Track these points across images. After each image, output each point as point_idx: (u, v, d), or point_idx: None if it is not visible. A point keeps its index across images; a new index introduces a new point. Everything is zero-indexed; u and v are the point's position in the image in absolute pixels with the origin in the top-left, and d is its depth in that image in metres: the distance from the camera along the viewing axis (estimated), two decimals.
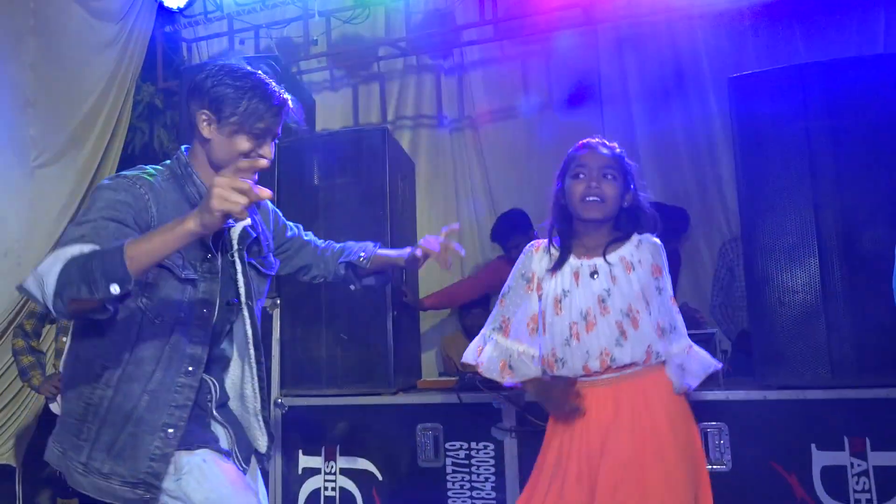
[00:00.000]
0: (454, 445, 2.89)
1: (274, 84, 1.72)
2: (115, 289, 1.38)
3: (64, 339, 3.13)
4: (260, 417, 1.81)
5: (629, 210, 1.99)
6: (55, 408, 3.07)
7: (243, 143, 1.66)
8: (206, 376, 1.73)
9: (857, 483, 2.47)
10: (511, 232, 3.90)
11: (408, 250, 2.18)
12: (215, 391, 1.76)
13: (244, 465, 1.79)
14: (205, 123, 1.66)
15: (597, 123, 4.20)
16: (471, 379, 3.00)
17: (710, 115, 3.97)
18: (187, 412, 1.65)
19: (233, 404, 1.82)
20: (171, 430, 1.62)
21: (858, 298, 2.51)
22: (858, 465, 2.48)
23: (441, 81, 4.54)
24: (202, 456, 1.65)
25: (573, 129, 4.21)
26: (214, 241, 1.71)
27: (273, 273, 1.93)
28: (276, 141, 1.77)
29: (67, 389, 1.68)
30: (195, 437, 1.67)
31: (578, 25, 4.05)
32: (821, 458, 2.52)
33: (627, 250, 1.96)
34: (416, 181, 3.94)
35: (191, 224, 1.39)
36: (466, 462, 2.87)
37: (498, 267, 4.06)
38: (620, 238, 1.98)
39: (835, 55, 2.86)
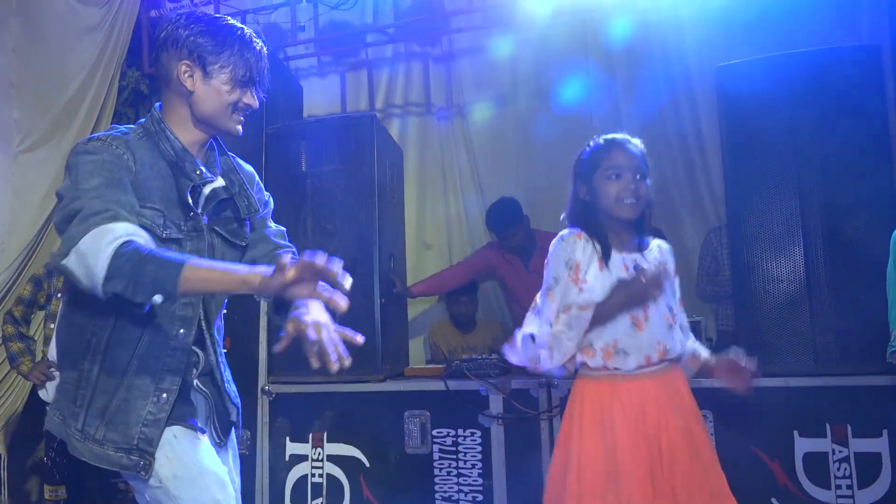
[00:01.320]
0: (441, 432, 2.91)
1: (248, 30, 1.68)
2: (157, 299, 1.40)
3: (52, 325, 3.11)
4: (224, 389, 1.77)
5: (648, 204, 2.01)
6: (44, 394, 3.05)
7: (232, 93, 1.63)
8: (192, 346, 1.68)
9: (839, 469, 2.51)
10: (509, 220, 3.91)
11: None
12: (199, 359, 1.71)
13: (222, 438, 1.77)
14: (186, 75, 1.60)
15: (586, 112, 4.20)
16: (458, 366, 3.02)
17: (697, 104, 3.98)
18: (181, 375, 1.62)
19: (213, 381, 1.78)
20: (164, 395, 1.59)
21: (842, 287, 2.55)
22: (840, 452, 2.52)
23: (430, 69, 4.51)
24: (173, 432, 1.62)
25: (562, 119, 4.24)
26: (193, 195, 1.65)
27: (242, 245, 1.79)
28: (263, 89, 1.71)
29: (63, 357, 1.65)
30: (173, 411, 1.62)
31: (567, 13, 4.04)
32: (803, 445, 2.55)
33: (655, 251, 2.02)
34: (404, 169, 3.94)
35: (257, 285, 1.40)
36: (453, 449, 2.89)
37: (489, 254, 4.08)
38: (642, 235, 2.02)
39: (820, 45, 2.86)
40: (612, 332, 1.90)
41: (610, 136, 2.02)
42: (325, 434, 3.05)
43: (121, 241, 1.42)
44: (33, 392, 3.26)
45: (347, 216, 3.14)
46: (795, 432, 2.55)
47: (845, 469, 2.50)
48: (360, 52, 4.53)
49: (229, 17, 1.69)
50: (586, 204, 1.98)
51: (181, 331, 1.63)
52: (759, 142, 2.67)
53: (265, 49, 1.70)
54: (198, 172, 1.65)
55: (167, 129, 1.64)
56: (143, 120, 1.69)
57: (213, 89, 1.62)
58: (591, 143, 2.05)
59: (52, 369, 3.02)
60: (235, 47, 1.62)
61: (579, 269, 1.93)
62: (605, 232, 1.97)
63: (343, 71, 4.60)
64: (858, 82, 2.55)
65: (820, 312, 2.56)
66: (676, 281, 2.05)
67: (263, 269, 1.40)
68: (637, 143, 2.01)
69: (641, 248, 1.99)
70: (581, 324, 1.89)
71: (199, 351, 1.71)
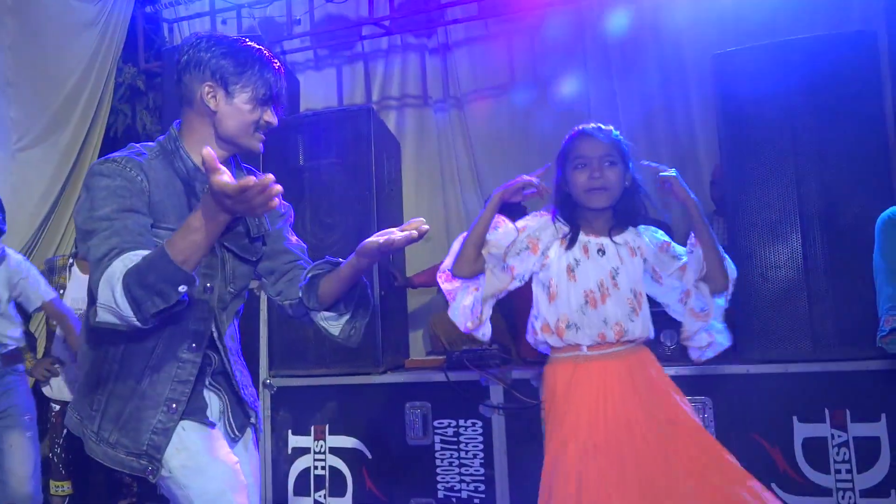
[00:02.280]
0: (442, 423, 2.92)
1: (267, 51, 1.73)
2: (183, 289, 1.42)
3: (55, 322, 3.11)
4: (242, 395, 1.83)
5: (629, 189, 2.00)
6: (48, 391, 3.06)
7: (254, 112, 1.68)
8: (207, 351, 1.73)
9: (838, 454, 2.52)
10: (516, 206, 3.89)
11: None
12: (213, 361, 1.76)
13: (237, 433, 1.82)
14: (210, 96, 1.66)
15: (583, 103, 4.21)
16: (458, 357, 3.03)
17: (689, 94, 3.98)
18: (190, 387, 1.67)
19: (226, 382, 1.82)
20: (174, 405, 1.65)
21: (839, 272, 2.55)
22: (839, 437, 2.53)
23: (426, 61, 4.52)
24: (182, 425, 1.67)
25: (560, 109, 4.24)
26: None
27: (253, 260, 1.84)
28: (281, 108, 1.77)
29: (85, 360, 1.71)
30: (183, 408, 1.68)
31: (563, 3, 4.04)
32: (802, 430, 2.57)
33: (630, 236, 1.99)
34: (402, 162, 3.94)
35: (223, 216, 1.40)
36: (455, 439, 2.90)
37: None
38: (621, 222, 2.00)
39: (815, 32, 2.86)
40: (564, 307, 1.95)
41: (582, 125, 2.03)
42: (327, 426, 3.07)
43: (121, 277, 1.44)
44: (38, 389, 3.27)
45: (345, 209, 3.15)
46: (794, 418, 2.57)
47: (844, 454, 2.52)
48: (355, 45, 4.54)
49: (248, 39, 1.74)
50: (565, 194, 2.01)
51: (193, 345, 1.68)
52: (756, 130, 2.67)
53: (283, 69, 1.75)
54: (207, 191, 1.66)
55: (182, 149, 1.69)
56: (162, 137, 1.73)
57: (235, 109, 1.67)
58: (568, 134, 2.07)
59: (56, 366, 3.03)
60: (256, 67, 1.67)
61: (534, 239, 2.00)
62: (581, 219, 2.00)
63: (339, 64, 4.61)
64: (854, 69, 2.55)
65: (818, 298, 2.57)
66: (676, 247, 1.99)
67: (217, 206, 1.38)
68: (608, 131, 2.00)
69: (612, 233, 1.98)
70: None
71: (212, 353, 1.76)
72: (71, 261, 3.05)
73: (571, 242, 1.98)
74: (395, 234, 1.62)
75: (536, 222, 2.03)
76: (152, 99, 5.00)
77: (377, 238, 1.64)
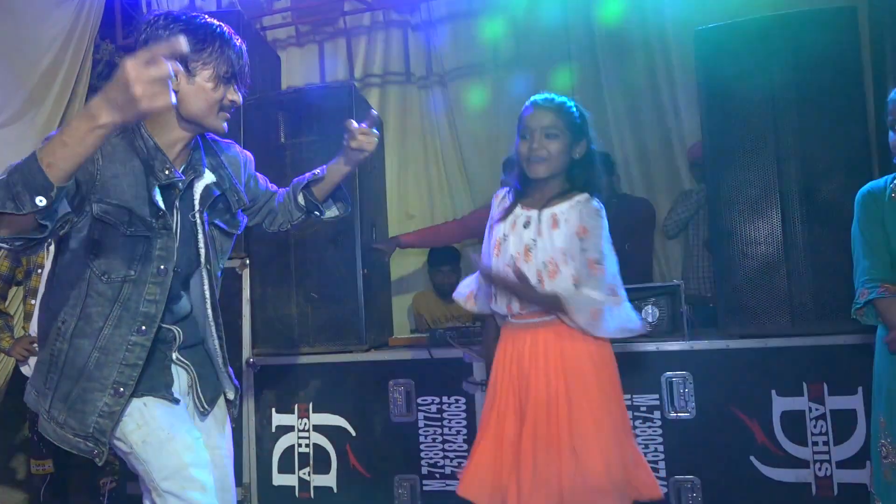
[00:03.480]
0: (426, 400, 2.94)
1: (227, 27, 1.70)
2: (40, 201, 1.32)
3: (32, 301, 3.08)
4: (223, 371, 1.85)
5: (583, 161, 2.02)
6: (26, 370, 3.04)
7: (216, 90, 1.65)
8: (168, 326, 1.74)
9: (815, 426, 2.57)
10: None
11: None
12: (179, 338, 1.77)
13: (206, 407, 1.83)
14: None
15: (565, 79, 4.19)
16: (441, 335, 3.04)
17: (673, 73, 3.98)
18: (138, 371, 1.65)
19: (199, 352, 1.83)
20: (121, 389, 1.63)
21: (818, 249, 2.58)
22: (816, 410, 2.57)
23: (409, 37, 4.47)
24: (144, 401, 1.68)
25: (543, 85, 4.21)
26: (166, 197, 1.67)
27: (239, 231, 1.91)
28: (245, 86, 1.74)
29: (40, 338, 1.71)
30: (143, 383, 1.68)
31: None
32: (781, 404, 2.60)
33: (562, 208, 2.00)
34: (385, 139, 3.92)
35: (105, 117, 1.27)
36: (438, 416, 2.92)
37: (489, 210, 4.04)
38: (567, 192, 2.02)
39: (797, 8, 2.85)
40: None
41: (536, 97, 2.06)
42: (311, 405, 3.07)
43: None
44: (17, 369, 3.25)
45: None
46: (773, 391, 2.60)
47: (822, 426, 2.56)
48: (337, 20, 4.48)
49: (206, 16, 1.70)
50: (516, 161, 2.08)
51: (142, 327, 1.66)
52: (737, 106, 2.68)
53: (244, 46, 1.72)
54: (166, 172, 1.66)
55: (142, 128, 1.67)
56: None
57: (197, 88, 1.64)
58: None
59: (34, 345, 3.00)
60: (216, 44, 1.64)
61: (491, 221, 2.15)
62: (528, 188, 2.05)
63: (321, 40, 4.55)
64: (835, 44, 2.56)
65: (796, 274, 2.60)
66: (591, 241, 1.96)
67: (102, 103, 1.28)
68: (560, 103, 2.02)
69: (545, 206, 2.01)
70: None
71: (176, 329, 1.76)
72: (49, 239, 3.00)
73: (504, 216, 2.06)
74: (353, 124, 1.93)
75: (495, 205, 2.16)
76: None
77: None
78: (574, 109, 2.02)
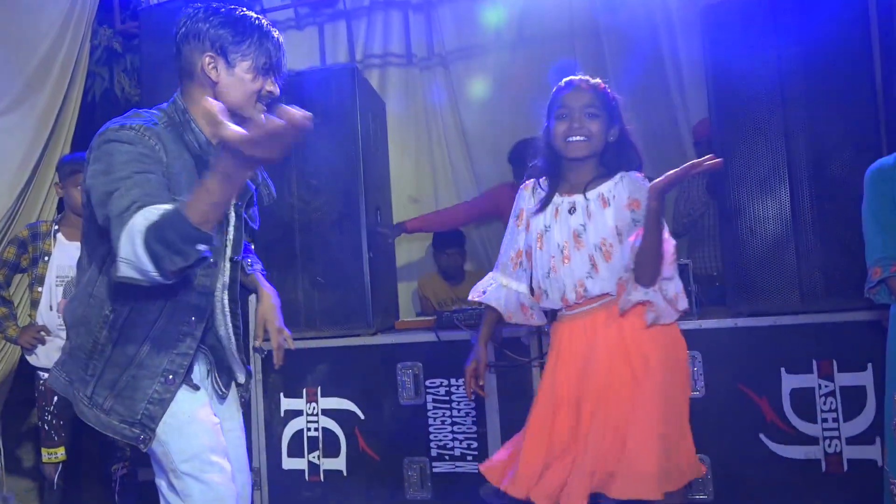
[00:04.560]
0: (434, 383, 2.94)
1: (265, 20, 1.73)
2: (202, 247, 1.40)
3: (39, 289, 3.06)
4: (236, 356, 1.87)
5: (616, 145, 2.00)
6: (33, 359, 3.03)
7: (255, 81, 1.68)
8: None
9: (825, 403, 2.56)
10: (525, 158, 3.83)
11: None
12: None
13: (223, 390, 1.86)
14: (210, 66, 1.66)
15: (569, 59, 4.15)
16: (449, 317, 3.03)
17: (678, 51, 3.94)
18: (189, 360, 1.69)
19: (211, 336, 1.84)
20: (171, 377, 1.67)
21: (827, 226, 2.57)
22: (826, 387, 2.57)
23: (409, 18, 4.43)
24: None
25: (546, 66, 4.18)
26: None
27: (256, 227, 1.93)
28: (282, 78, 1.77)
29: (79, 325, 1.70)
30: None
31: None
32: (790, 382, 2.60)
33: (607, 187, 1.98)
34: (387, 122, 3.89)
35: (245, 175, 1.39)
36: (447, 398, 2.92)
37: (500, 192, 3.96)
38: (604, 175, 2.00)
39: None
40: (536, 275, 2.06)
41: (569, 77, 2.04)
42: (319, 389, 3.07)
43: (143, 231, 1.40)
44: (23, 358, 3.24)
45: (332, 171, 3.11)
46: (783, 369, 2.60)
47: (831, 403, 2.56)
48: (337, 2, 4.43)
49: (245, 9, 1.73)
50: (549, 146, 2.03)
51: (193, 318, 1.70)
52: (744, 84, 2.64)
53: (282, 38, 1.75)
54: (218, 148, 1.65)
55: (192, 121, 1.68)
56: (165, 106, 1.71)
57: (236, 79, 1.67)
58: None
59: (42, 333, 3.00)
60: (255, 36, 1.67)
61: (522, 216, 2.13)
62: (562, 173, 2.02)
63: (321, 22, 4.50)
64: (844, 23, 2.52)
65: (805, 251, 2.58)
66: (638, 212, 1.93)
67: (229, 162, 1.35)
68: (595, 83, 2.01)
69: (587, 188, 1.98)
70: (509, 270, 2.15)
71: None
72: (55, 227, 2.99)
73: (542, 207, 2.02)
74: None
75: (524, 200, 2.11)
76: (130, 61, 4.89)
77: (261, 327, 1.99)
78: (609, 91, 2.00)
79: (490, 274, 2.26)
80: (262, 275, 2.03)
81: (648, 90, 4.00)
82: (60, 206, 3.54)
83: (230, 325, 1.82)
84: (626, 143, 2.00)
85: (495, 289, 2.19)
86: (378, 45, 4.40)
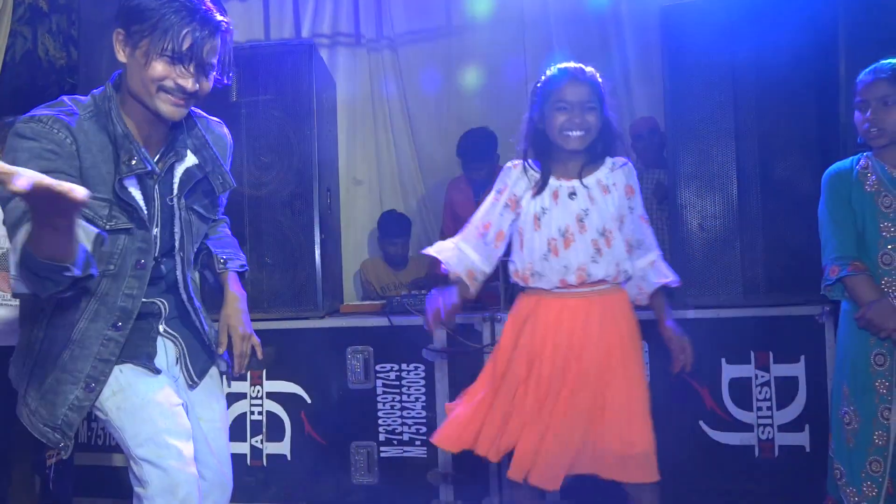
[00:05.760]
0: (385, 367, 2.92)
1: (208, 2, 1.51)
2: (69, 273, 1.33)
3: None
4: (212, 347, 1.83)
5: (602, 130, 2.02)
6: None
7: (155, 68, 1.47)
8: (153, 300, 1.69)
9: (760, 393, 2.70)
10: (480, 154, 3.84)
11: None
12: (164, 309, 1.72)
13: (195, 379, 1.78)
14: (119, 45, 1.51)
15: (518, 51, 4.20)
16: (399, 302, 3.02)
17: (626, 47, 4.04)
18: (111, 367, 1.60)
19: (184, 324, 1.78)
20: (93, 384, 1.58)
21: (771, 223, 2.70)
22: (762, 377, 2.71)
23: None
24: (120, 368, 1.63)
25: (495, 51, 4.21)
26: (145, 186, 1.60)
27: (217, 217, 1.85)
28: (211, 73, 1.55)
29: (22, 321, 1.66)
30: (125, 351, 1.63)
31: None
32: (729, 372, 2.73)
33: (603, 174, 2.03)
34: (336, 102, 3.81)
35: (57, 225, 1.24)
36: (397, 383, 2.91)
37: (450, 193, 4.06)
38: (594, 161, 2.03)
39: None
40: (529, 256, 2.04)
41: (564, 65, 2.04)
42: (264, 371, 3.00)
43: (20, 251, 1.33)
44: None
45: (284, 149, 3.03)
46: (723, 360, 2.72)
47: (766, 392, 2.70)
48: None
49: None
50: (538, 129, 2.04)
51: (119, 323, 1.60)
52: (699, 83, 2.74)
53: (216, 25, 1.51)
54: (133, 161, 1.55)
55: (113, 110, 1.55)
56: (98, 92, 1.58)
57: (135, 62, 1.49)
58: (549, 72, 2.07)
59: None
60: (169, 14, 1.44)
61: (505, 193, 2.08)
62: (550, 157, 2.04)
63: None
64: (796, 28, 2.65)
65: (750, 247, 2.71)
66: (637, 199, 2.06)
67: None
68: (591, 75, 2.03)
69: (582, 174, 2.01)
70: (471, 237, 2.10)
71: (160, 301, 1.71)
72: None
73: (540, 189, 2.01)
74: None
75: (511, 178, 2.08)
76: (56, 22, 4.58)
77: (224, 332, 1.80)
78: (600, 80, 2.02)
79: (451, 239, 2.18)
80: (238, 272, 1.88)
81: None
82: None
83: (196, 317, 1.75)
84: (612, 129, 2.04)
85: (457, 255, 2.11)
86: (327, 24, 4.31)
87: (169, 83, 1.49)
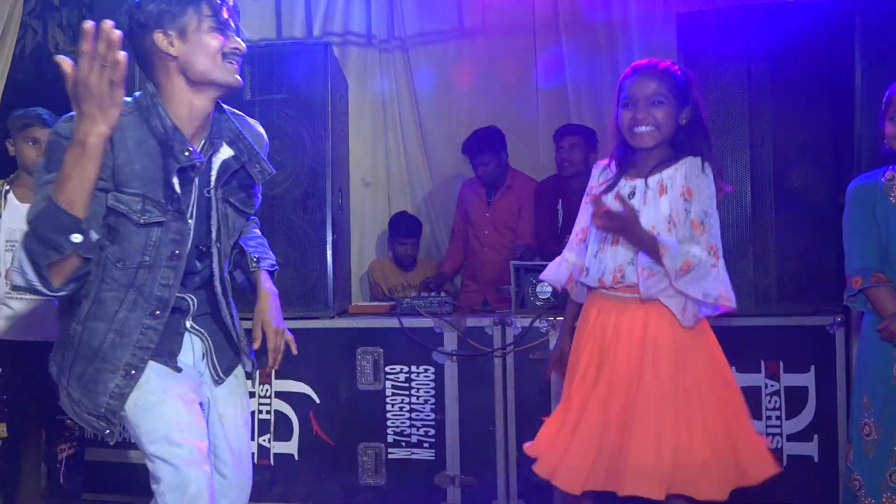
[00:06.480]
0: (394, 369, 2.92)
1: None
2: (76, 238, 1.38)
3: None
4: (237, 342, 1.84)
5: (687, 127, 1.96)
6: None
7: (212, 42, 1.60)
8: (182, 295, 1.72)
9: (770, 402, 2.71)
10: (483, 146, 3.82)
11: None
12: (193, 306, 1.75)
13: (221, 376, 1.81)
14: (166, 43, 1.59)
15: (528, 50, 4.20)
16: (410, 304, 3.02)
17: (632, 53, 4.03)
18: (150, 354, 1.65)
19: (212, 320, 1.80)
20: (133, 371, 1.62)
21: (784, 233, 2.71)
22: (772, 386, 2.71)
23: None
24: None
25: (505, 54, 4.21)
26: (181, 176, 1.62)
27: (254, 210, 1.86)
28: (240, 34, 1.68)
29: (60, 316, 1.68)
30: None
31: None
32: (739, 380, 2.67)
33: (668, 173, 1.94)
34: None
35: (90, 136, 1.36)
36: (406, 385, 2.91)
37: (462, 192, 4.09)
38: (671, 158, 1.96)
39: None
40: (585, 252, 2.06)
41: (638, 62, 2.00)
42: (273, 371, 2.99)
43: (23, 237, 1.41)
44: None
45: (298, 148, 3.03)
46: (733, 368, 2.70)
47: (776, 401, 2.71)
48: None
49: None
50: (617, 129, 2.00)
51: (156, 311, 1.64)
52: (714, 91, 2.74)
53: None
54: (186, 154, 1.61)
55: (159, 105, 1.61)
56: (139, 94, 1.65)
57: (194, 44, 1.59)
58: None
59: None
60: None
61: (590, 193, 2.09)
62: (626, 156, 2.01)
63: None
64: (813, 35, 2.66)
65: (762, 257, 2.72)
66: (696, 202, 1.90)
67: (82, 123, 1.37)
68: (663, 69, 1.95)
69: (650, 173, 1.95)
70: (573, 245, 2.14)
71: (189, 297, 1.74)
72: (6, 187, 2.76)
73: (608, 189, 1.99)
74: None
75: (593, 176, 2.11)
76: (66, 16, 4.59)
77: (258, 328, 1.83)
78: (679, 73, 1.95)
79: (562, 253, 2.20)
80: (269, 271, 1.92)
81: (604, 92, 4.08)
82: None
83: (227, 312, 1.78)
84: (698, 126, 1.96)
85: (558, 265, 2.14)
86: (338, 24, 4.30)
87: (227, 49, 1.62)
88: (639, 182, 1.97)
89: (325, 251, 3.01)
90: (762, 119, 2.70)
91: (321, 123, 3.00)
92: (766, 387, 2.71)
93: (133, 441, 1.69)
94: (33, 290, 1.43)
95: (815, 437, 2.67)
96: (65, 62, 1.31)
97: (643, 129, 1.91)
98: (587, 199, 2.11)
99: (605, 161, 2.10)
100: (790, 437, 2.70)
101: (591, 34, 4.12)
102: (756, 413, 2.71)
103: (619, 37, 4.08)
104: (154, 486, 1.61)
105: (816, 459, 2.68)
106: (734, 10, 2.76)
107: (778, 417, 2.71)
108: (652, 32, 3.88)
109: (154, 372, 1.66)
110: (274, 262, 1.94)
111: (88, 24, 1.28)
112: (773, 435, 2.70)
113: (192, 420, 1.67)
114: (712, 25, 2.77)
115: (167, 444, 1.61)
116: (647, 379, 1.89)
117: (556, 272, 2.15)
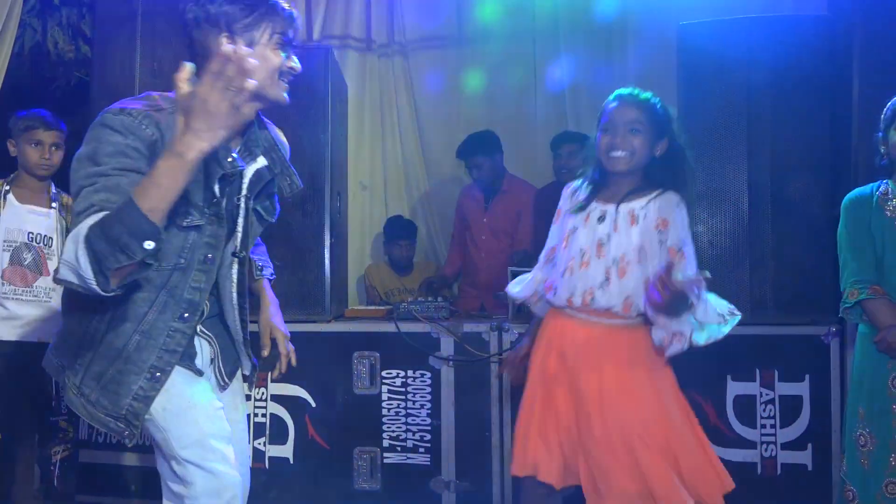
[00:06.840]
0: (391, 373, 2.92)
1: None
2: (149, 245, 1.33)
3: None
4: (243, 347, 1.82)
5: (663, 159, 2.00)
6: None
7: (275, 57, 1.58)
8: None
9: (765, 410, 2.72)
10: (477, 148, 3.84)
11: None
12: (206, 310, 1.73)
13: (226, 380, 1.81)
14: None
15: (529, 64, 4.22)
16: (407, 308, 3.02)
17: (627, 60, 4.05)
18: (177, 357, 1.62)
19: (217, 323, 1.79)
20: (158, 374, 1.60)
21: (781, 243, 2.72)
22: (766, 395, 2.73)
23: (371, 1, 4.36)
24: None
25: (505, 60, 4.22)
26: (222, 182, 1.61)
27: (273, 219, 1.85)
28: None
29: (74, 310, 1.64)
30: None
31: None
32: (734, 388, 2.75)
33: (640, 203, 1.98)
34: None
35: (193, 152, 1.30)
36: (402, 390, 2.91)
37: (460, 199, 4.12)
38: (644, 189, 2.00)
39: (780, 12, 2.98)
40: (554, 269, 2.11)
41: (622, 91, 2.06)
42: (269, 374, 2.98)
43: (86, 232, 1.35)
44: None
45: (297, 151, 2.97)
46: (729, 377, 2.74)
47: (770, 410, 2.72)
48: None
49: None
50: (596, 153, 2.05)
51: (185, 314, 1.63)
52: (714, 100, 2.77)
53: (295, 10, 1.65)
54: (230, 160, 1.59)
55: None
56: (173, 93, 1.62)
57: (257, 57, 1.53)
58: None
59: None
60: (263, 9, 1.57)
61: (559, 214, 2.16)
62: (601, 180, 2.05)
63: None
64: (812, 48, 2.68)
65: (758, 267, 2.73)
66: (671, 233, 1.95)
67: (182, 138, 1.31)
68: (644, 99, 2.01)
69: (622, 200, 2.00)
70: (542, 264, 2.20)
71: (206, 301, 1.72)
72: (6, 187, 2.75)
73: (580, 209, 2.04)
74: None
75: (563, 196, 2.16)
76: (66, 15, 4.59)
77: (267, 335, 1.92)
78: (658, 106, 2.01)
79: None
80: (269, 280, 1.96)
81: (603, 99, 4.07)
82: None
83: (237, 318, 1.77)
84: (675, 158, 2.01)
85: (527, 283, 2.24)
86: (338, 27, 4.31)
87: (285, 68, 1.60)
88: (609, 208, 2.01)
89: (323, 255, 3.01)
90: (760, 129, 2.72)
91: (321, 127, 3.01)
92: (761, 395, 2.73)
93: (154, 445, 1.66)
94: (84, 288, 1.37)
95: (809, 445, 2.69)
96: (184, 74, 1.28)
97: (619, 153, 1.96)
98: (555, 218, 2.17)
99: (575, 183, 2.15)
100: (784, 446, 2.71)
101: (590, 41, 4.13)
102: (751, 421, 2.73)
103: (618, 44, 4.10)
104: (180, 489, 1.60)
105: (810, 468, 2.69)
106: (735, 21, 2.78)
107: (772, 426, 2.72)
108: (652, 40, 3.89)
109: (180, 376, 1.64)
110: (273, 271, 1.97)
111: (228, 48, 1.26)
112: (768, 443, 2.72)
113: (221, 425, 1.67)
114: (713, 36, 2.78)
115: (201, 449, 1.60)
116: (622, 409, 1.95)
117: (522, 288, 2.23)
